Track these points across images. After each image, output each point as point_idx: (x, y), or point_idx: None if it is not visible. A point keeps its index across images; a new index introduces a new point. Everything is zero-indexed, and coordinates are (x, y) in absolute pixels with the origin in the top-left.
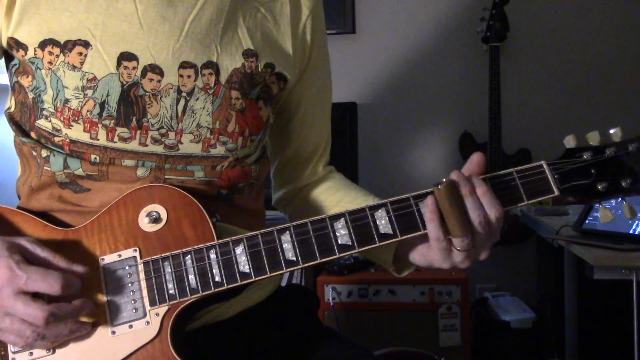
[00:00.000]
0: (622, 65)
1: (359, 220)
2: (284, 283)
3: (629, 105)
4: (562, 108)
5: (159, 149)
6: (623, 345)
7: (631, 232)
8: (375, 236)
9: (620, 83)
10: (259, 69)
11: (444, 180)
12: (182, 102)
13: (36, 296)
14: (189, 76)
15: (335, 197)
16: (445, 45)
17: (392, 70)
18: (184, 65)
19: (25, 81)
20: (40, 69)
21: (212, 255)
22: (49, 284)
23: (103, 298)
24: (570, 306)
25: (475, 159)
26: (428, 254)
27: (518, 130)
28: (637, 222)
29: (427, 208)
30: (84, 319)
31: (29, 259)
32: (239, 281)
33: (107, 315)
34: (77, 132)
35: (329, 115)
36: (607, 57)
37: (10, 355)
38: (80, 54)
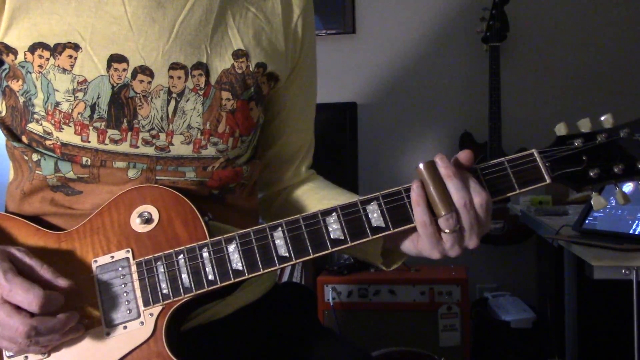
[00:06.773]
0: (622, 64)
1: (351, 215)
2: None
3: (629, 104)
4: (562, 108)
5: (150, 150)
6: (623, 345)
7: (631, 232)
8: (368, 229)
9: (620, 82)
10: (251, 69)
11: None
12: (173, 103)
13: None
14: (179, 77)
15: (319, 195)
16: (445, 45)
17: (392, 70)
18: (173, 66)
19: (15, 85)
20: (30, 73)
21: (205, 254)
22: (28, 301)
23: (97, 300)
24: (570, 306)
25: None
26: (418, 243)
27: (518, 130)
28: (637, 222)
29: (413, 192)
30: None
31: (19, 268)
32: (232, 279)
33: (101, 317)
34: (68, 135)
35: (313, 117)
36: (607, 56)
37: None
38: (70, 56)
